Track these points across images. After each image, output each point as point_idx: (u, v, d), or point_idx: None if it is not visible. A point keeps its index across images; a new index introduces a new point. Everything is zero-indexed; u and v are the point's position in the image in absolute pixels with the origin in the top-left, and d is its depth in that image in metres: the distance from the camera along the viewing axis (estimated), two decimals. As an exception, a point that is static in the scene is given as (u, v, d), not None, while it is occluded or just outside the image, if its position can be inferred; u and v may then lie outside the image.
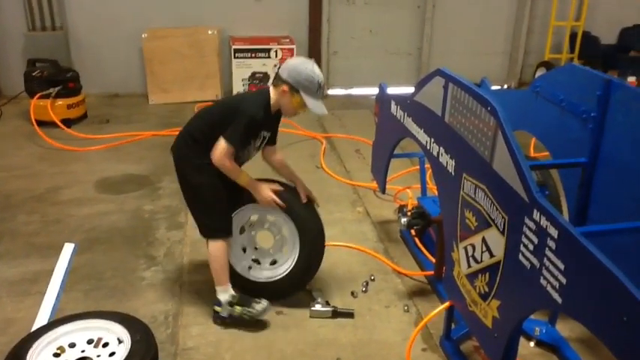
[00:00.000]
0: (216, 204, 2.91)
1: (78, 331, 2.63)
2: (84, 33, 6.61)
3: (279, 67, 2.97)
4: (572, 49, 7.44)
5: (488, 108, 2.16)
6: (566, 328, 2.95)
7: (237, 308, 2.97)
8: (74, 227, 3.94)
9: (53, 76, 5.75)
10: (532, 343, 2.89)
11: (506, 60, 7.75)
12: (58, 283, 3.32)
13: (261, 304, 2.98)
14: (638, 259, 2.28)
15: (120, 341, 2.57)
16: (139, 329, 2.59)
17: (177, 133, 2.99)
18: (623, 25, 7.57)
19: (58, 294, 3.23)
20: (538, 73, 7.19)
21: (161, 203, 4.28)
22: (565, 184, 2.82)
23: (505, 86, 7.74)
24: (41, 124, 5.54)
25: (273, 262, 3.18)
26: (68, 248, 3.67)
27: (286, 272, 3.10)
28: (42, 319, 3.01)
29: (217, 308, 3.00)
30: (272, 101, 2.89)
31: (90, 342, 2.60)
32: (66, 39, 6.51)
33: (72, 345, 2.58)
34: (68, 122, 5.74)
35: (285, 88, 2.83)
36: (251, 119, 2.81)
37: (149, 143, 5.40)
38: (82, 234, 3.86)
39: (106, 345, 2.58)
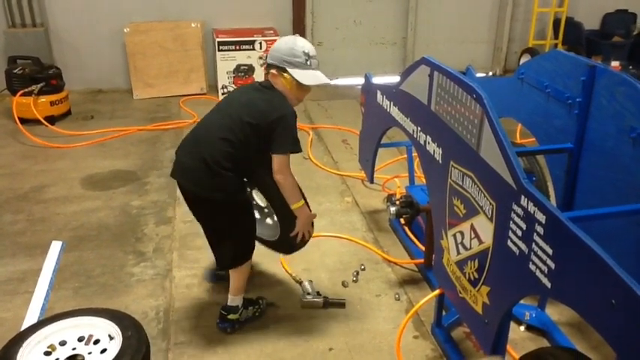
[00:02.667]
0: (254, 225, 2.80)
1: (68, 329, 2.60)
2: (65, 29, 6.52)
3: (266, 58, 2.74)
4: (555, 36, 7.46)
5: (474, 95, 2.17)
6: (556, 312, 2.98)
7: (250, 308, 2.95)
8: (61, 225, 3.91)
9: (35, 73, 5.67)
10: (522, 328, 2.92)
11: (491, 47, 7.76)
12: (46, 281, 3.30)
13: (264, 300, 3.03)
14: (625, 242, 2.30)
15: (111, 338, 2.56)
16: (129, 325, 2.58)
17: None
18: (606, 10, 7.60)
19: (46, 292, 3.20)
20: (522, 60, 7.21)
21: (149, 198, 4.25)
22: (552, 169, 2.84)
23: (490, 74, 7.75)
24: (24, 121, 5.46)
25: (270, 222, 3.08)
26: (56, 246, 3.64)
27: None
28: (31, 318, 2.99)
29: (233, 316, 2.86)
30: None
31: (81, 339, 2.58)
32: (47, 35, 6.41)
33: (62, 343, 2.56)
34: (52, 119, 5.66)
35: (273, 71, 2.61)
36: (293, 115, 2.57)
37: (135, 138, 5.36)
38: (70, 232, 3.83)
39: (97, 342, 2.57)
